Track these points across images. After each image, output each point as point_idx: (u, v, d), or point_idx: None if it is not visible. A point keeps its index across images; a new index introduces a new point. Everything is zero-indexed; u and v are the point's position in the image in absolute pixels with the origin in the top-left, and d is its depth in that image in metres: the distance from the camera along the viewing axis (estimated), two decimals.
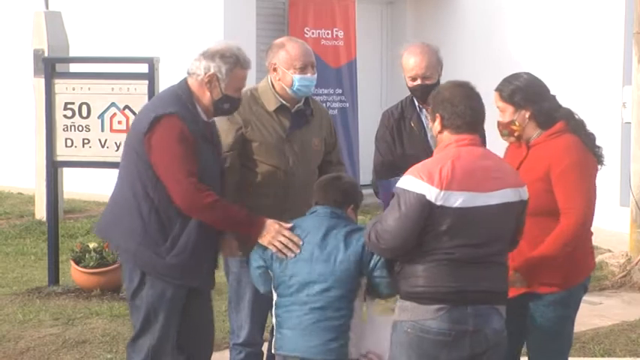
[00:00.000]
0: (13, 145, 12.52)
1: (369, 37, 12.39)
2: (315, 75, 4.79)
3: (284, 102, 4.77)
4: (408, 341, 3.86)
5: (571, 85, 10.57)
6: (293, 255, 4.16)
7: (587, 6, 11.03)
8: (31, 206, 10.32)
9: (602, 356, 6.24)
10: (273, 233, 4.21)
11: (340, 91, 11.34)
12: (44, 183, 7.93)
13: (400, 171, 4.27)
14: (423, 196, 3.76)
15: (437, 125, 3.99)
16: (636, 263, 8.07)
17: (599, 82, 10.64)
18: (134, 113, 6.88)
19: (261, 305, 4.74)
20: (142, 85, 7.16)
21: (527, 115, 4.40)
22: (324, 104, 9.78)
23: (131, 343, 4.49)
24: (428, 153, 4.73)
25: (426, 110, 4.90)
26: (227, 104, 4.46)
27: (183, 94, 4.40)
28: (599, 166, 4.48)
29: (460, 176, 3.80)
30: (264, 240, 4.25)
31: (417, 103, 5.19)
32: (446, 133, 3.95)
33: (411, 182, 3.81)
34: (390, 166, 5.04)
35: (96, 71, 7.85)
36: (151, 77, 7.16)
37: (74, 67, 8.59)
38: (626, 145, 9.01)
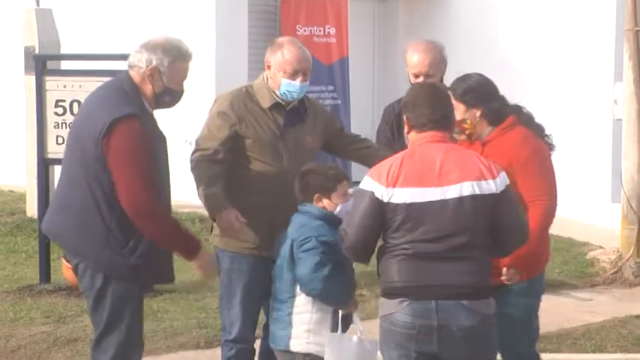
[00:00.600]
0: (3, 143, 12.49)
1: (361, 34, 12.37)
2: (307, 82, 4.77)
3: (278, 99, 4.76)
4: (384, 334, 4.00)
5: (563, 82, 10.61)
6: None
7: (578, 3, 11.05)
8: (22, 204, 10.29)
9: (593, 352, 6.26)
10: (205, 258, 4.42)
11: (332, 88, 11.33)
12: (35, 180, 7.90)
13: None
14: (372, 194, 3.91)
15: (406, 127, 4.10)
16: (627, 259, 8.08)
17: (591, 78, 10.65)
18: None
19: (253, 302, 4.76)
20: None
21: (477, 114, 4.53)
22: None
23: (95, 344, 4.43)
24: None
25: None
26: (169, 97, 4.42)
27: (130, 89, 4.35)
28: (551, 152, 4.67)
29: (409, 173, 3.90)
30: (196, 263, 4.40)
31: None
32: (412, 133, 4.05)
33: (365, 182, 3.98)
34: None
35: (87, 69, 7.82)
36: None
37: (65, 65, 8.56)
38: (617, 141, 9.02)
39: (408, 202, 3.86)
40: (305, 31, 11.32)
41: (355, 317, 4.54)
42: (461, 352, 3.91)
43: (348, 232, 3.98)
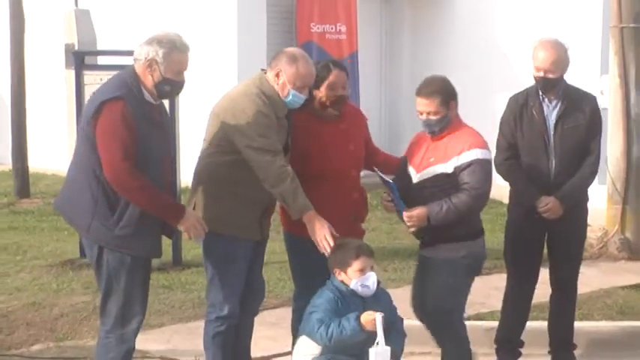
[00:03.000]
0: (47, 131, 12.52)
1: (370, 31, 12.34)
2: (307, 95, 4.69)
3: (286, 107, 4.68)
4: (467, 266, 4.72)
5: None
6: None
7: (568, 2, 10.99)
8: None
9: (581, 320, 6.23)
10: (191, 221, 4.35)
11: None
12: None
13: (516, 152, 5.08)
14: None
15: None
16: (612, 236, 8.06)
17: (580, 71, 10.52)
18: None
19: (242, 282, 4.68)
20: None
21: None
22: None
23: (102, 309, 4.45)
24: (545, 138, 5.05)
25: (548, 99, 5.13)
26: (167, 86, 4.36)
27: (130, 79, 4.33)
28: None
29: None
30: (181, 226, 4.36)
31: (540, 93, 5.16)
32: None
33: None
34: (510, 148, 5.17)
35: (120, 63, 7.81)
36: None
37: (101, 60, 8.56)
38: (603, 129, 8.96)
39: None
40: (318, 28, 11.33)
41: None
42: None
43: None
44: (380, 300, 4.49)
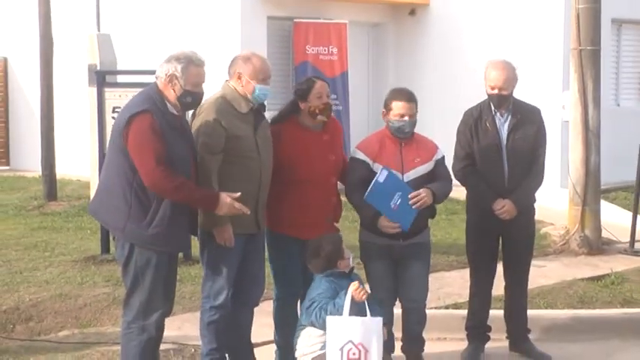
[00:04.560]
0: (72, 142, 12.51)
1: (358, 53, 12.35)
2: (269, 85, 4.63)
3: (251, 104, 4.60)
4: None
5: (520, 91, 10.55)
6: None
7: (533, 26, 11.02)
8: (87, 190, 10.28)
9: (546, 308, 6.24)
10: (227, 205, 4.28)
11: (335, 96, 11.29)
12: (97, 172, 7.90)
13: (473, 160, 5.09)
14: None
15: None
16: (573, 234, 8.06)
17: (544, 87, 10.60)
18: None
19: (234, 273, 4.62)
20: None
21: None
22: None
23: (125, 302, 4.41)
24: (499, 148, 5.08)
25: (500, 113, 5.17)
26: (189, 98, 4.32)
27: (153, 94, 4.30)
28: None
29: None
30: (220, 211, 4.29)
31: (492, 107, 5.15)
32: None
33: None
34: (467, 156, 5.20)
35: (138, 81, 7.80)
36: None
37: (121, 78, 8.55)
38: (565, 139, 8.98)
39: None
40: (313, 50, 11.33)
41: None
42: None
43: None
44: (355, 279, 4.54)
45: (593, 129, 8.05)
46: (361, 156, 4.86)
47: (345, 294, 4.31)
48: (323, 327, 4.34)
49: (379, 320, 4.27)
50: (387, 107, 4.91)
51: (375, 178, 4.73)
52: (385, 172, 4.71)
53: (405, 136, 4.86)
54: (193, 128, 4.54)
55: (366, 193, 4.72)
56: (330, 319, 4.26)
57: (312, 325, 4.41)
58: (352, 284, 4.34)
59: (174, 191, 4.20)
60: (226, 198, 4.30)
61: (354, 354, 4.21)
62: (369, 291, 4.56)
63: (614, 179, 10.50)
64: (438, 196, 4.83)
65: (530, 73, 10.65)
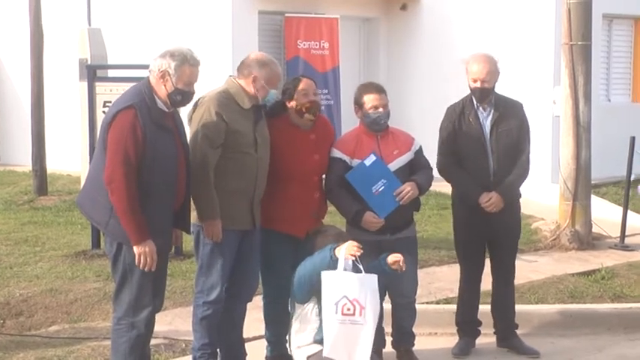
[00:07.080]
0: (63, 137, 12.46)
1: (350, 47, 12.34)
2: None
3: (255, 102, 4.62)
4: None
5: (511, 86, 10.56)
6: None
7: (525, 21, 11.03)
8: (77, 185, 10.23)
9: (537, 303, 6.26)
10: (144, 253, 4.15)
11: (327, 91, 11.30)
12: (87, 166, 7.86)
13: (457, 155, 5.11)
14: None
15: None
16: (564, 229, 8.08)
17: (535, 82, 10.63)
18: None
19: (228, 269, 4.62)
20: None
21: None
22: None
23: (115, 298, 4.39)
24: (483, 142, 5.08)
25: (482, 108, 5.15)
26: (179, 96, 4.27)
27: (144, 89, 4.26)
28: None
29: None
30: (136, 250, 4.15)
31: (475, 102, 5.15)
32: None
33: None
34: (451, 152, 5.21)
35: (128, 76, 7.77)
36: None
37: (111, 73, 8.52)
38: (555, 134, 8.99)
39: None
40: (304, 45, 11.30)
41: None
42: None
43: None
44: None
45: (583, 124, 8.06)
46: (338, 154, 4.88)
47: (331, 250, 4.26)
48: (305, 291, 4.30)
49: (374, 277, 4.22)
50: (359, 103, 4.94)
51: (362, 160, 4.77)
52: (373, 157, 4.77)
53: (380, 128, 4.90)
54: (193, 120, 4.54)
55: (349, 172, 4.76)
56: (325, 274, 4.19)
57: (294, 294, 4.39)
58: (349, 242, 4.26)
59: (119, 193, 4.08)
60: (148, 246, 4.14)
61: (348, 309, 4.15)
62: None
63: (605, 174, 10.54)
64: (423, 186, 4.88)
65: (521, 68, 10.71)
